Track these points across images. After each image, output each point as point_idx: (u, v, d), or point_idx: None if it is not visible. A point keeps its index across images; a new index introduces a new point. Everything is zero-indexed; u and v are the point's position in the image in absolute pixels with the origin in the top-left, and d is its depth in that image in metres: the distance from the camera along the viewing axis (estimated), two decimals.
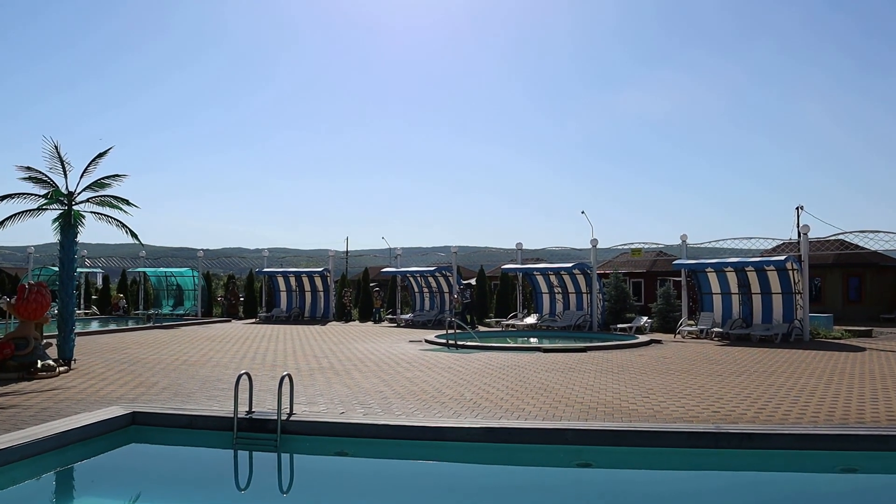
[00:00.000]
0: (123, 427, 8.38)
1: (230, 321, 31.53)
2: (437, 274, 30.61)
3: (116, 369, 13.12)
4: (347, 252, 40.39)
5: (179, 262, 37.13)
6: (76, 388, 10.89)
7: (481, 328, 26.90)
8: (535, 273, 27.85)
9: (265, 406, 9.09)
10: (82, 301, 35.16)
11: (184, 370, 13.02)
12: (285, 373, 8.56)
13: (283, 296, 34.47)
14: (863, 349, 17.66)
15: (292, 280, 34.24)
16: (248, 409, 8.54)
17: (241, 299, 35.53)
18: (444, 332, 20.61)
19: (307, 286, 34.20)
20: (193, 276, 34.99)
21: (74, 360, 13.77)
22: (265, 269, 34.04)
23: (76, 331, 14.79)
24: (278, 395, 8.16)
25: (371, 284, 33.74)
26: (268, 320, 32.20)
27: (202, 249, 36.29)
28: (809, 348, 17.92)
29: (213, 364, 14.17)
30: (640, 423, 8.12)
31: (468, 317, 27.57)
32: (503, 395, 10.29)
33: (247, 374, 8.57)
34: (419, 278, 31.69)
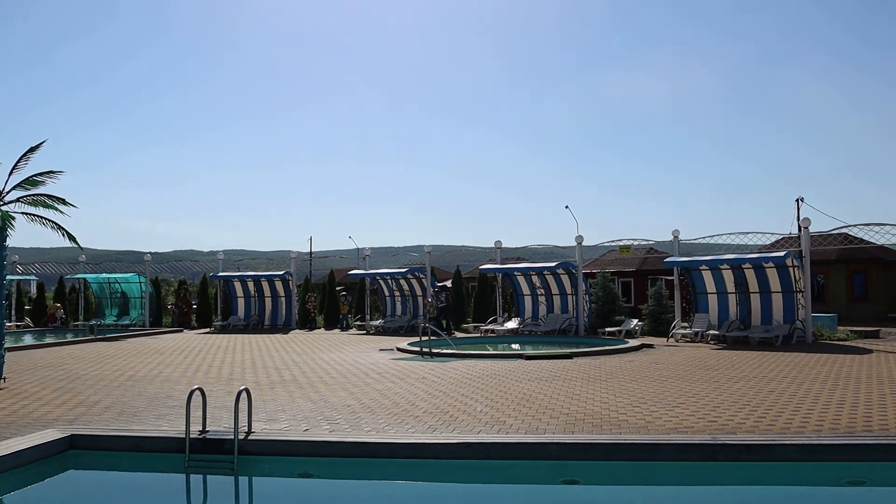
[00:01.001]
0: (60, 452, 8.20)
1: (182, 331, 31.34)
2: (409, 276, 30.63)
3: (53, 387, 12.95)
4: (311, 253, 40.27)
5: (124, 267, 36.75)
6: (5, 409, 10.68)
7: (458, 334, 26.97)
8: (515, 273, 27.95)
9: (221, 425, 9.02)
10: (14, 312, 34.65)
11: (129, 387, 12.94)
12: (243, 387, 8.49)
13: (241, 302, 34.37)
14: (869, 351, 17.83)
15: (250, 285, 34.17)
16: (201, 429, 8.44)
17: (194, 307, 35.25)
18: (417, 339, 20.64)
19: (267, 291, 34.12)
20: (140, 283, 34.73)
21: (4, 378, 13.52)
22: (220, 274, 33.90)
23: (6, 346, 14.52)
24: (235, 412, 8.07)
25: (337, 288, 33.76)
26: (224, 330, 32.07)
27: (150, 253, 35.91)
28: (812, 351, 18.06)
29: (163, 379, 14.12)
30: (631, 436, 8.15)
31: (443, 322, 27.59)
32: (482, 408, 10.32)
33: (200, 389, 8.48)
34: (390, 281, 31.68)
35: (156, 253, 35.42)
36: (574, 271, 26.49)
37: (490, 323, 28.06)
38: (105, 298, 35.90)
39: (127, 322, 33.83)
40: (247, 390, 8.57)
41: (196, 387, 8.48)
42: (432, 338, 20.11)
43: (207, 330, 32.22)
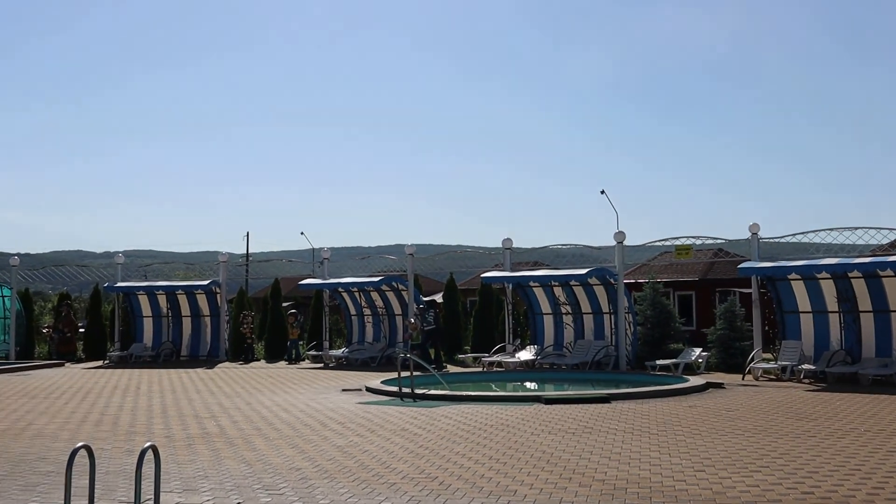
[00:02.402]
0: None
1: (63, 365, 31.39)
2: (384, 287, 30.84)
3: None
4: (248, 255, 40.25)
5: None
6: None
7: (452, 368, 27.28)
8: (531, 284, 28.09)
9: (116, 498, 8.98)
10: None
11: None
12: (149, 444, 8.43)
13: (148, 324, 34.54)
14: None
15: (162, 300, 34.33)
16: None
17: (81, 331, 35.44)
18: (394, 375, 20.54)
19: (185, 309, 34.32)
20: (2, 297, 34.76)
21: None
22: (119, 284, 33.99)
23: None
24: (136, 481, 8.01)
25: (284, 305, 34.55)
26: (124, 362, 32.21)
27: (16, 255, 35.77)
28: None
29: (34, 434, 14.09)
30: None
31: (431, 351, 27.91)
32: (484, 471, 10.37)
33: (87, 447, 8.41)
34: (357, 294, 31.79)
35: (26, 255, 35.38)
36: (613, 281, 26.57)
37: (496, 353, 28.30)
38: None
39: None
40: (154, 448, 8.52)
41: (81, 444, 8.41)
42: (416, 373, 20.21)
43: (100, 363, 32.30)
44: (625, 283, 26.96)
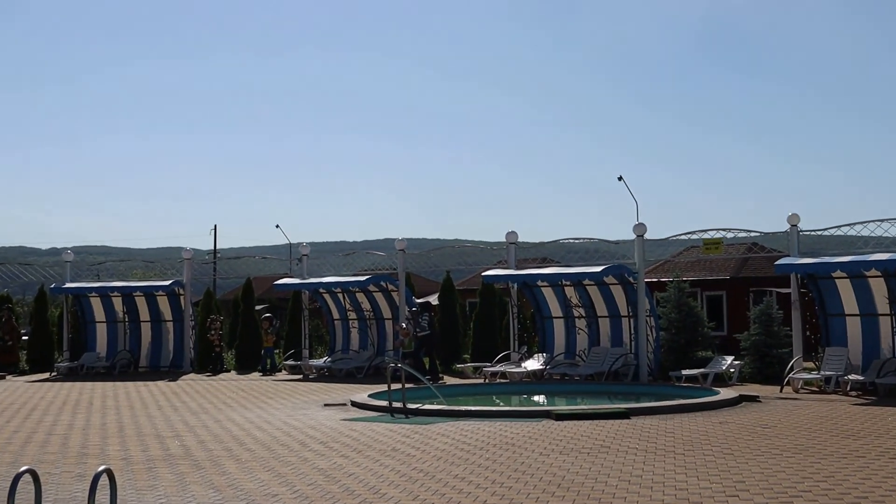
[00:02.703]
0: None
1: (3, 378, 31.40)
2: (371, 287, 30.80)
3: None
4: (216, 252, 40.18)
5: None
6: None
7: (449, 380, 27.36)
8: (539, 283, 28.13)
9: None
10: None
11: None
12: (103, 467, 8.43)
13: (102, 331, 34.45)
14: None
15: (117, 302, 34.29)
16: None
17: (24, 338, 35.16)
18: (384, 387, 20.52)
19: (144, 313, 34.32)
20: None
21: None
22: (68, 285, 33.84)
23: None
24: None
25: (258, 308, 34.68)
26: (73, 374, 32.05)
27: None
28: None
29: None
30: None
31: (426, 360, 27.97)
32: (487, 497, 10.37)
33: (32, 472, 8.41)
34: (341, 295, 31.75)
35: None
36: (632, 280, 26.59)
37: (499, 362, 28.14)
38: None
39: None
40: (109, 473, 8.51)
41: (25, 468, 8.41)
42: (408, 385, 20.19)
43: (46, 375, 32.17)
44: (646, 283, 26.87)
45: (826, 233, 25.01)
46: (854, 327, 23.74)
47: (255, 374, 31.49)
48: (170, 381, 29.24)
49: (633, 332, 26.72)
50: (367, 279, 30.48)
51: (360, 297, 31.66)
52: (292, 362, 31.90)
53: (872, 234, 23.89)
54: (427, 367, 27.52)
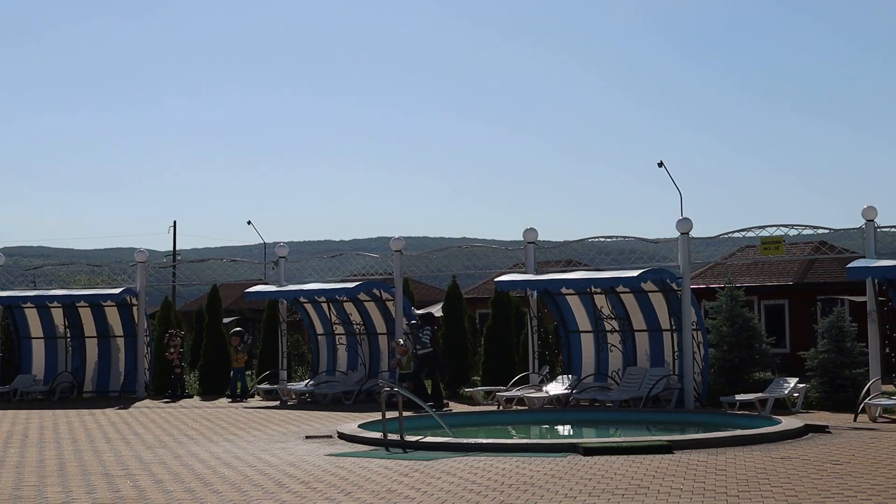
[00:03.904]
0: None
1: None
2: (362, 296, 30.77)
3: None
4: (176, 253, 40.17)
5: None
6: None
7: (455, 406, 27.31)
8: (563, 291, 28.02)
9: None
10: None
11: None
12: None
13: (39, 348, 34.39)
14: None
15: (58, 315, 34.20)
16: None
17: None
18: (378, 416, 20.42)
19: (90, 328, 34.35)
20: None
21: None
22: None
23: None
24: None
25: (226, 321, 34.84)
26: (5, 401, 31.97)
27: None
28: None
29: None
30: None
31: (428, 383, 27.92)
32: None
33: None
34: (326, 306, 31.73)
35: None
36: (676, 286, 26.55)
37: (516, 385, 28.12)
38: None
39: None
40: None
41: None
42: (407, 414, 20.12)
43: None
44: (692, 290, 26.76)
45: None
46: None
47: (223, 400, 31.48)
48: (120, 408, 29.16)
49: (676, 349, 26.67)
50: (356, 286, 30.32)
51: (349, 307, 31.67)
52: (267, 386, 31.80)
53: None
54: (429, 391, 27.47)
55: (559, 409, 26.43)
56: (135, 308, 33.74)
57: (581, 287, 27.45)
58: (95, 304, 34.03)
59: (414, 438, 18.85)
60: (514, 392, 27.19)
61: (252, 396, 32.21)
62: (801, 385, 25.02)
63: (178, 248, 38.68)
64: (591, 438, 20.29)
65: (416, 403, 21.74)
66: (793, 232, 26.41)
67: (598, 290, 27.59)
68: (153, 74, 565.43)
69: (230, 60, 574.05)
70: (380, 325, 31.56)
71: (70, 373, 34.00)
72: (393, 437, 18.71)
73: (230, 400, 31.57)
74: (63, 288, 35.78)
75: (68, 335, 34.47)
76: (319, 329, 32.47)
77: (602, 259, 29.16)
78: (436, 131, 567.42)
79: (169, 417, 26.07)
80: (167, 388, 33.03)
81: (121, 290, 33.40)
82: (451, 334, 31.96)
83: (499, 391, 27.76)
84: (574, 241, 30.13)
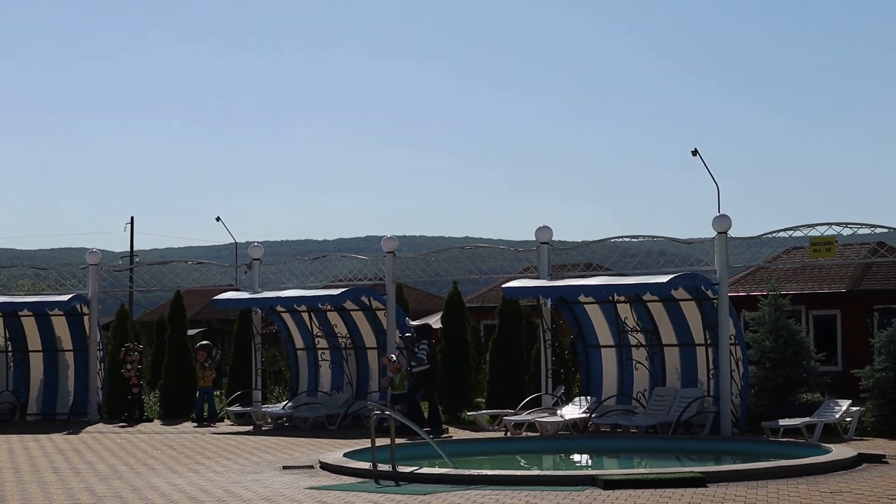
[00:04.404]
0: None
1: None
2: (348, 304, 30.68)
3: None
4: (133, 255, 40.66)
5: None
6: None
7: (456, 432, 27.59)
8: (581, 299, 27.88)
9: None
10: None
11: None
12: None
13: None
14: None
15: None
16: None
17: None
18: (366, 443, 20.60)
19: (35, 340, 34.79)
20: None
21: None
22: None
23: None
24: None
25: (191, 333, 35.51)
26: None
27: None
28: None
29: None
30: None
31: (424, 406, 28.26)
32: None
33: None
34: (306, 316, 31.92)
35: None
36: (712, 294, 26.21)
37: (527, 408, 27.92)
38: None
39: None
40: None
41: None
42: (400, 441, 20.32)
43: None
44: (730, 298, 26.53)
45: None
46: None
47: (188, 425, 31.39)
48: (70, 433, 29.03)
49: (712, 366, 26.54)
50: (342, 293, 30.12)
51: (334, 317, 31.62)
52: (239, 408, 31.70)
53: None
54: (426, 414, 27.58)
55: (576, 435, 26.31)
56: (86, 318, 33.59)
57: (602, 295, 27.17)
58: (40, 313, 33.92)
59: (408, 469, 18.83)
60: (524, 416, 27.09)
61: (221, 420, 32.21)
62: (855, 408, 24.90)
63: (135, 248, 39.93)
64: (612, 470, 20.88)
65: (410, 429, 21.76)
66: (847, 231, 26.20)
67: (622, 298, 27.43)
68: (99, 59, 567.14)
69: (197, 22, 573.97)
70: (369, 338, 31.48)
71: (11, 392, 34.02)
72: (384, 467, 18.74)
73: (196, 424, 31.54)
74: (3, 294, 36.39)
75: (9, 349, 34.53)
76: (299, 343, 32.48)
77: (626, 262, 29.16)
78: (435, 103, 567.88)
79: (125, 444, 26.05)
80: (123, 410, 32.94)
81: (70, 296, 33.23)
82: (451, 349, 31.72)
83: (506, 415, 27.67)
84: (593, 242, 30.05)
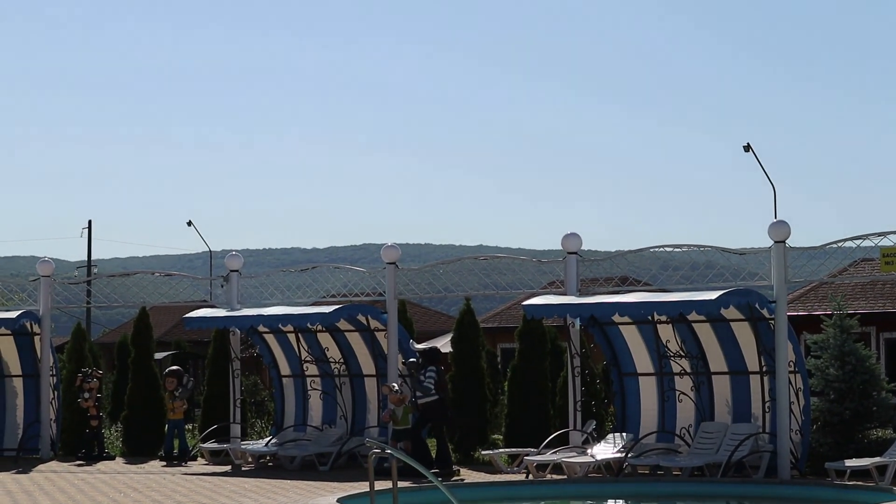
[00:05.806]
0: None
1: None
2: (342, 323, 30.28)
3: None
4: (91, 264, 39.74)
5: None
6: None
7: (469, 474, 27.04)
8: (615, 319, 27.41)
9: None
10: None
11: None
12: None
13: None
14: None
15: None
16: None
17: None
18: (364, 487, 19.93)
19: None
20: None
21: None
22: None
23: None
24: None
25: (159, 356, 34.32)
26: None
27: None
28: None
29: None
30: None
31: (431, 444, 27.70)
32: None
33: None
34: (293, 337, 31.44)
35: None
36: (767, 314, 25.39)
37: (552, 447, 27.14)
38: None
39: None
40: None
41: None
42: (403, 484, 20.46)
43: None
44: (789, 318, 25.82)
45: None
46: None
47: (156, 463, 30.57)
48: (19, 472, 28.57)
49: (768, 398, 25.83)
50: (335, 311, 29.17)
51: (325, 339, 30.75)
52: (215, 445, 30.78)
53: None
54: (433, 453, 26.80)
55: (609, 478, 25.67)
56: (37, 338, 33.07)
57: (640, 314, 26.34)
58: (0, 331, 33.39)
59: None
60: (549, 456, 26.27)
61: (194, 459, 31.34)
62: None
63: (94, 257, 39.62)
64: None
65: (415, 470, 20.13)
66: None
67: (663, 317, 26.73)
68: (66, 39, 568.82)
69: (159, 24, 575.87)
70: (366, 364, 30.68)
71: None
72: None
73: (165, 463, 30.72)
74: None
75: None
76: (285, 369, 31.84)
77: (668, 276, 27.93)
78: (445, 94, 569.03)
79: (83, 485, 25.66)
80: (80, 446, 32.29)
81: (18, 313, 32.74)
82: (463, 377, 30.74)
83: (527, 454, 26.73)
84: (629, 252, 28.92)
